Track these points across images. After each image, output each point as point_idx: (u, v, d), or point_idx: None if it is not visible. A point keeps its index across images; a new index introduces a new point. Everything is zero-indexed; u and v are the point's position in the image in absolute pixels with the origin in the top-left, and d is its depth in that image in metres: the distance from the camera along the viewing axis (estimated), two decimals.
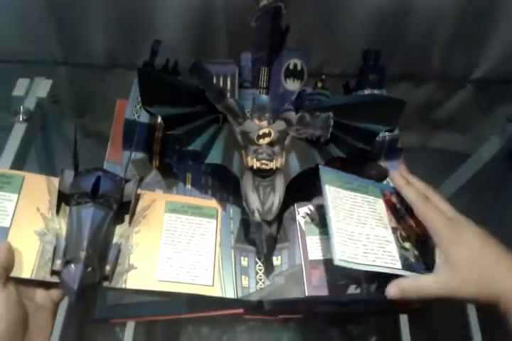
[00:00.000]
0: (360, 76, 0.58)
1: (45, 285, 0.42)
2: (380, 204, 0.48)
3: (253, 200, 0.48)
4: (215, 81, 0.56)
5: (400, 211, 0.49)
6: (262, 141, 0.51)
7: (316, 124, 0.50)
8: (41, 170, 0.70)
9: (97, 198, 0.44)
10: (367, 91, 0.58)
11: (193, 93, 0.51)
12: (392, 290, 0.41)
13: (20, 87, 0.61)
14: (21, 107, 0.59)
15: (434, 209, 0.44)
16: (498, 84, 0.67)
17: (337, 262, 0.41)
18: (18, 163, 0.58)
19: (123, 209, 0.47)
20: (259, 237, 0.48)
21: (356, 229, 0.45)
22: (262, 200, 0.49)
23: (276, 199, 0.49)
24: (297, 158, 0.50)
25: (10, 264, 0.41)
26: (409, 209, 0.47)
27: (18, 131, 0.59)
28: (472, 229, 0.43)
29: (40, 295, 0.42)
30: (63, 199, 0.45)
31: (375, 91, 0.58)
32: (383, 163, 0.56)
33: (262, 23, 0.56)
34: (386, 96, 0.50)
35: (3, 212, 0.44)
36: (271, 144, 0.51)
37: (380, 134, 0.52)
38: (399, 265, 0.44)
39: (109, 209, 0.45)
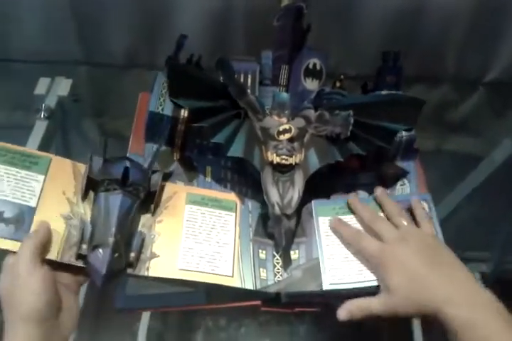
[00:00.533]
0: (378, 77, 0.59)
1: (70, 267, 0.43)
2: None
3: (273, 194, 0.50)
4: (236, 77, 0.57)
5: None
6: (282, 137, 0.52)
7: (335, 122, 0.52)
8: None
9: (126, 186, 0.45)
10: (384, 92, 0.59)
11: (217, 88, 0.52)
12: (342, 314, 0.44)
13: (42, 85, 0.63)
14: (43, 105, 0.61)
15: (365, 238, 0.47)
16: (510, 86, 0.68)
17: (326, 287, 0.46)
18: None
19: (148, 199, 0.48)
20: (278, 230, 0.49)
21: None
22: (282, 194, 0.50)
23: (295, 193, 0.50)
24: (316, 155, 0.51)
25: (48, 243, 0.42)
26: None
27: (40, 128, 0.61)
28: (409, 247, 0.45)
29: (66, 276, 0.43)
30: (90, 185, 0.46)
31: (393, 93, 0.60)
32: (399, 163, 0.57)
33: (284, 22, 0.58)
34: (405, 95, 0.52)
35: (30, 191, 0.45)
36: (291, 140, 0.52)
37: (398, 134, 0.53)
38: None
39: (137, 198, 0.46)
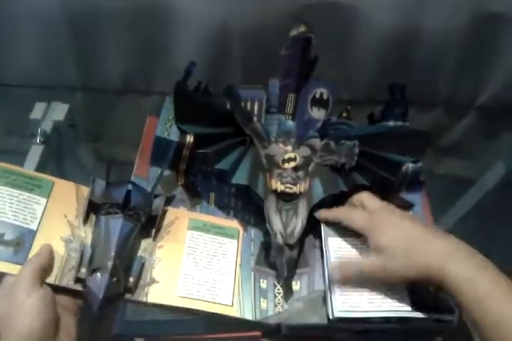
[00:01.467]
0: (386, 108, 0.59)
1: (69, 290, 0.43)
2: None
3: (276, 223, 0.49)
4: (243, 105, 0.58)
5: None
6: (287, 165, 0.52)
7: (341, 152, 0.52)
8: None
9: (127, 210, 0.45)
10: (391, 123, 0.60)
11: (224, 114, 0.53)
12: (333, 271, 0.46)
13: (38, 110, 0.63)
14: (38, 130, 0.61)
15: (353, 211, 0.48)
16: (502, 110, 0.69)
17: (337, 314, 0.44)
18: None
19: (149, 223, 0.47)
20: (280, 260, 0.48)
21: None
22: (285, 223, 0.49)
23: (298, 223, 0.49)
24: (321, 184, 0.51)
25: (50, 266, 0.42)
26: None
27: (35, 153, 0.60)
28: (396, 213, 0.47)
29: (65, 298, 0.42)
30: (92, 208, 0.46)
31: (399, 124, 0.60)
32: (405, 195, 0.57)
33: (292, 51, 0.59)
34: (412, 128, 0.52)
35: (31, 214, 0.45)
36: (295, 169, 0.52)
37: (403, 166, 0.53)
38: (408, 307, 0.45)
39: (138, 222, 0.46)
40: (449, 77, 0.69)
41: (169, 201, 0.51)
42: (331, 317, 0.45)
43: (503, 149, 0.69)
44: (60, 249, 0.44)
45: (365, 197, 0.49)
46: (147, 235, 0.48)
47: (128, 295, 0.44)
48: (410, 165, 0.54)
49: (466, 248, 0.42)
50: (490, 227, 0.60)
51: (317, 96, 0.59)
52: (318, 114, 0.59)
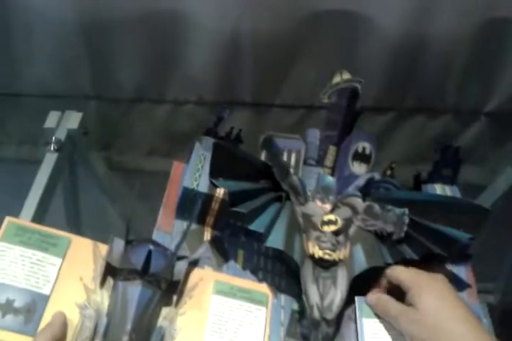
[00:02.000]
0: (435, 170, 0.55)
1: None
2: None
3: (313, 293, 0.44)
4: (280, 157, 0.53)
5: None
6: (326, 228, 0.48)
7: (387, 218, 0.47)
8: (67, 202, 0.70)
9: (146, 276, 0.40)
10: (438, 187, 0.55)
11: (260, 168, 0.49)
12: (370, 299, 0.45)
13: (52, 119, 0.62)
14: (53, 138, 0.60)
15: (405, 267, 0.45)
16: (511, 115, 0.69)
17: None
18: (48, 194, 0.57)
19: (170, 288, 0.43)
20: (315, 336, 0.43)
21: None
22: (322, 294, 0.44)
23: (337, 295, 0.44)
24: (364, 253, 0.47)
25: (64, 336, 0.38)
26: None
27: (49, 160, 0.59)
28: (440, 283, 0.43)
29: None
30: (109, 271, 0.42)
31: (447, 188, 0.56)
32: (450, 267, 0.52)
33: (337, 102, 0.55)
34: (470, 202, 0.48)
35: (45, 277, 0.40)
36: (336, 233, 0.47)
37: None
38: None
39: (158, 289, 0.41)
40: (457, 84, 0.68)
41: (194, 263, 0.46)
42: None
43: None
44: (73, 316, 0.39)
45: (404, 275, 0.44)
46: (168, 301, 0.43)
47: None
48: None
49: None
50: (502, 233, 0.58)
51: (359, 150, 0.55)
52: (359, 169, 0.55)
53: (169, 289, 0.43)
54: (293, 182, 0.51)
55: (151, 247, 0.43)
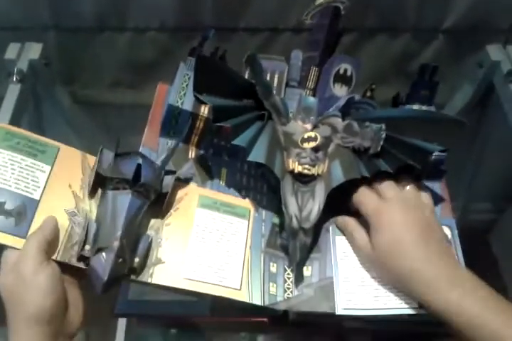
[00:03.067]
0: (412, 90, 0.56)
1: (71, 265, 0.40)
2: None
3: (292, 205, 0.46)
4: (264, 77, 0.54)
5: None
6: (306, 145, 0.49)
7: (364, 135, 0.48)
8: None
9: (136, 186, 0.42)
10: (415, 107, 0.56)
11: (245, 86, 0.49)
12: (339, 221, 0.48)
13: (12, 50, 0.63)
14: (15, 69, 0.60)
15: (367, 194, 0.46)
16: (468, 32, 0.69)
17: (340, 312, 0.43)
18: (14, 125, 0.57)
19: (158, 200, 0.44)
20: (293, 245, 0.46)
21: (368, 273, 0.46)
22: (301, 206, 0.47)
23: (315, 206, 0.47)
24: (341, 167, 0.48)
25: (55, 241, 0.39)
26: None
27: (13, 92, 0.60)
28: (402, 212, 0.44)
29: (69, 273, 0.40)
30: (98, 181, 0.43)
31: (423, 107, 0.57)
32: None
33: (319, 22, 0.54)
34: (445, 114, 0.49)
35: (34, 182, 0.41)
36: (315, 149, 0.49)
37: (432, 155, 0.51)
38: (416, 303, 0.44)
39: (146, 199, 0.43)
40: (415, 1, 0.67)
41: (179, 179, 0.48)
42: (336, 313, 0.44)
43: (469, 70, 0.68)
44: (63, 222, 0.41)
45: (384, 184, 0.46)
46: (155, 213, 0.45)
47: (132, 276, 0.41)
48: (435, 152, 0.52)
49: (449, 269, 0.41)
50: (459, 151, 0.61)
51: (341, 72, 0.55)
52: (340, 91, 0.56)
53: (156, 201, 0.44)
54: (275, 103, 0.51)
55: (140, 159, 0.44)
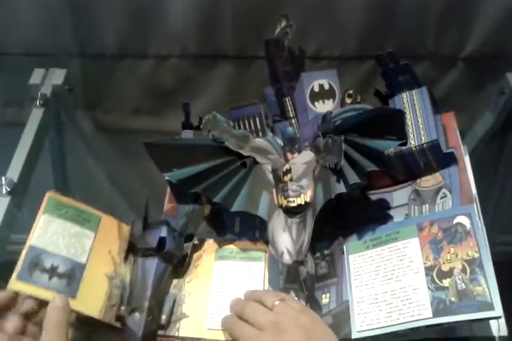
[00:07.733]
0: (388, 80, 0.51)
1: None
2: (413, 245, 0.45)
3: (283, 240, 0.48)
4: (241, 125, 0.56)
5: (443, 240, 0.44)
6: (286, 178, 0.50)
7: (331, 150, 0.47)
8: (54, 161, 0.74)
9: (161, 253, 0.50)
10: (404, 95, 0.51)
11: (210, 146, 0.52)
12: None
13: (37, 75, 0.64)
14: (38, 94, 0.62)
15: (242, 324, 0.43)
16: (489, 60, 0.66)
17: (355, 335, 0.42)
18: (35, 151, 0.60)
19: (179, 262, 0.52)
20: (304, 278, 0.47)
21: (380, 288, 0.44)
22: (294, 240, 0.48)
23: (306, 237, 0.47)
24: (322, 189, 0.48)
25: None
26: (458, 233, 0.43)
27: (36, 116, 0.61)
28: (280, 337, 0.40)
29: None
30: (130, 248, 0.51)
31: (414, 92, 0.51)
32: (440, 172, 0.48)
33: (267, 56, 0.56)
34: (382, 108, 0.44)
35: (81, 247, 0.47)
36: (296, 179, 0.50)
37: (416, 145, 0.47)
38: (429, 313, 0.40)
39: (170, 264, 0.50)
40: (435, 30, 0.64)
41: (198, 240, 0.54)
42: (352, 338, 0.43)
43: (490, 98, 0.66)
44: (104, 284, 0.48)
45: (253, 312, 0.44)
46: (177, 273, 0.52)
47: (161, 331, 0.48)
48: (423, 140, 0.47)
49: None
50: (483, 178, 0.53)
51: (316, 89, 0.55)
52: (324, 107, 0.55)
53: (178, 263, 0.52)
54: (256, 145, 0.54)
55: (164, 230, 0.51)
